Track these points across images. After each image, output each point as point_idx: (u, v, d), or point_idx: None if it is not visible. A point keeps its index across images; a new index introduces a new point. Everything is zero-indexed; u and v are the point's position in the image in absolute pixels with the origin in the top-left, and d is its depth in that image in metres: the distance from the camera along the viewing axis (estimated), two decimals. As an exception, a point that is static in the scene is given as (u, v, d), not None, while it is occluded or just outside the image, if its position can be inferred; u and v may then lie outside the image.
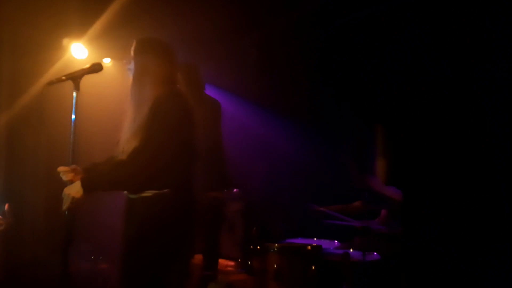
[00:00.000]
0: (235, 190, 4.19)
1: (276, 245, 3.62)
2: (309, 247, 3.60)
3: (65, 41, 4.81)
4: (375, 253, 3.68)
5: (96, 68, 2.60)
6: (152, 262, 2.52)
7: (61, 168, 2.55)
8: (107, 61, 5.42)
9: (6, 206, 3.25)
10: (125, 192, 2.67)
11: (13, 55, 4.74)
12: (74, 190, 2.46)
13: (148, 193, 2.57)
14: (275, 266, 3.52)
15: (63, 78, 2.54)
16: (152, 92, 2.64)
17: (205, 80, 3.91)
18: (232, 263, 4.21)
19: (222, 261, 4.20)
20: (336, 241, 4.04)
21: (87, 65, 2.60)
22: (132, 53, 2.76)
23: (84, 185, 2.46)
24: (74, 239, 2.56)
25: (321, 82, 5.17)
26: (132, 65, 2.74)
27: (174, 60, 2.80)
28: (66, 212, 2.47)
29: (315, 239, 4.01)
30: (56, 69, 4.70)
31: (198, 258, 4.36)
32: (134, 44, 2.77)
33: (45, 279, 4.31)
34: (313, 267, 3.52)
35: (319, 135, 5.27)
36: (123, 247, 2.62)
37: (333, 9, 4.72)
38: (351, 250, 3.71)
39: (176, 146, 2.56)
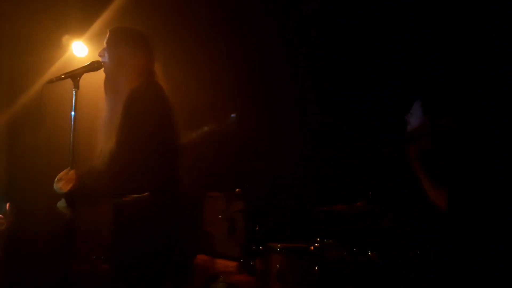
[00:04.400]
0: (236, 190, 4.16)
1: (279, 245, 3.59)
2: (312, 248, 3.58)
3: (65, 39, 4.77)
4: (379, 253, 3.65)
5: (96, 66, 2.52)
6: (138, 267, 2.38)
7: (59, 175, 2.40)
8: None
9: (7, 205, 3.23)
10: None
11: (13, 54, 4.72)
12: (63, 207, 2.38)
13: (127, 198, 2.39)
14: (278, 266, 3.50)
15: (63, 76, 2.48)
16: (127, 86, 2.45)
17: None
18: (234, 263, 4.18)
19: (224, 262, 4.18)
20: (339, 242, 4.00)
21: (87, 63, 2.53)
22: (105, 44, 2.58)
23: (69, 203, 2.36)
24: (75, 239, 2.53)
25: (328, 80, 5.12)
26: (106, 58, 2.56)
27: (150, 50, 2.60)
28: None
29: (318, 239, 3.98)
30: (56, 68, 4.67)
31: (200, 258, 4.34)
32: (107, 34, 2.59)
33: (45, 279, 4.29)
34: (316, 268, 3.49)
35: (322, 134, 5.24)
36: (110, 253, 2.51)
37: (333, 9, 4.70)
38: (355, 251, 3.67)
39: (154, 146, 2.38)
